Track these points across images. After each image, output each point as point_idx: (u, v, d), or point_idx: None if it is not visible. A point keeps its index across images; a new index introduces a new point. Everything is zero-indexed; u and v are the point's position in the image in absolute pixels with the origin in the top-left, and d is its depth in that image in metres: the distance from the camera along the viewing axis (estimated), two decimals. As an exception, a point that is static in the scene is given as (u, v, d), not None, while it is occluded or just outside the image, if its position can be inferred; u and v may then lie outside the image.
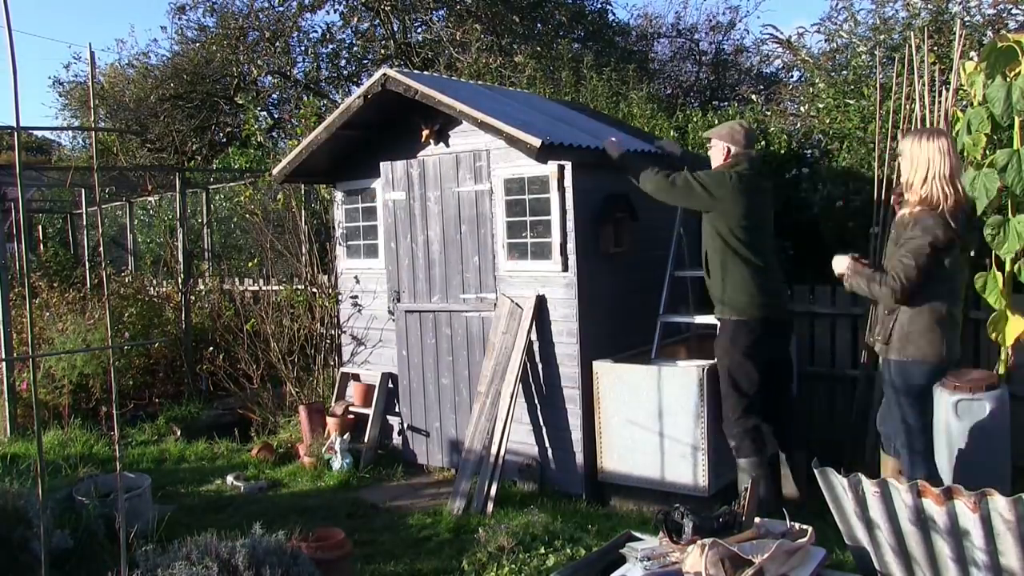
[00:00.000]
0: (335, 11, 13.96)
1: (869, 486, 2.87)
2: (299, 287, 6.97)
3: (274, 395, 6.71)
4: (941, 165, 3.61)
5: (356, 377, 6.22)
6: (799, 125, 6.94)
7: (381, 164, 5.70)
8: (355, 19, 13.82)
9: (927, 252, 3.55)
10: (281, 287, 7.12)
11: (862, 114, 6.09)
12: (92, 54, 2.49)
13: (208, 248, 9.33)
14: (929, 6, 6.73)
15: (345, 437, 5.75)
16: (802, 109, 7.12)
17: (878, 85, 5.62)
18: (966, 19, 6.33)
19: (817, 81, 6.94)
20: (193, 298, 8.07)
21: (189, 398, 7.49)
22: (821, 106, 6.59)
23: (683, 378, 4.49)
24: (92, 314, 7.33)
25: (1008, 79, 4.34)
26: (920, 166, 3.66)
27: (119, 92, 15.37)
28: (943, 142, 3.64)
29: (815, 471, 3.03)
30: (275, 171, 6.07)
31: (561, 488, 5.04)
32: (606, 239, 5.04)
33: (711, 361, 4.59)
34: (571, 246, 4.89)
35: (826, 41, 7.69)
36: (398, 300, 5.74)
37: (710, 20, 14.84)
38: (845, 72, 6.70)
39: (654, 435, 4.60)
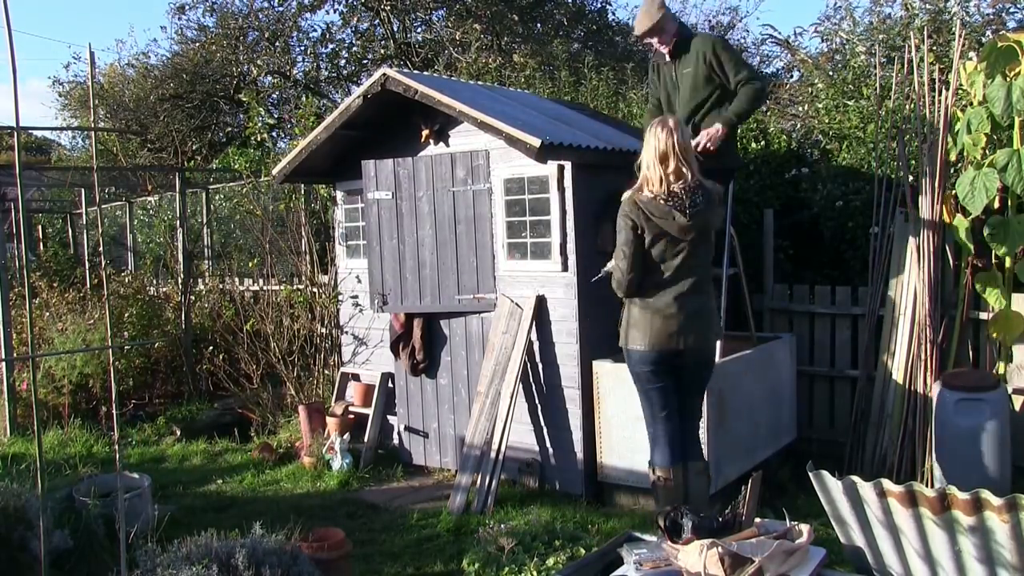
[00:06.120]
0: (335, 11, 13.98)
1: (864, 489, 2.87)
2: (299, 287, 6.96)
3: (274, 395, 6.71)
4: None
5: (356, 377, 6.22)
6: (799, 125, 6.93)
7: (363, 163, 5.56)
8: (355, 19, 13.83)
9: None
10: (281, 287, 7.12)
11: (862, 114, 6.09)
12: (92, 54, 2.49)
13: (208, 248, 9.33)
14: (927, 6, 6.73)
15: (345, 437, 5.74)
16: (802, 109, 7.11)
17: (877, 85, 5.62)
18: (965, 19, 6.33)
19: (816, 81, 6.94)
20: (193, 298, 8.07)
21: (189, 398, 7.48)
22: (820, 106, 6.59)
23: (683, 378, 4.47)
24: (92, 314, 7.32)
25: (1008, 79, 4.35)
26: None
27: (119, 92, 15.37)
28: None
29: (810, 473, 3.03)
30: (275, 171, 6.07)
31: (561, 488, 5.04)
32: (606, 239, 5.03)
33: (711, 361, 4.57)
34: (571, 246, 4.89)
35: (823, 41, 7.69)
36: (384, 303, 5.64)
37: (709, 20, 14.85)
38: (844, 72, 6.70)
39: (654, 435, 4.58)
